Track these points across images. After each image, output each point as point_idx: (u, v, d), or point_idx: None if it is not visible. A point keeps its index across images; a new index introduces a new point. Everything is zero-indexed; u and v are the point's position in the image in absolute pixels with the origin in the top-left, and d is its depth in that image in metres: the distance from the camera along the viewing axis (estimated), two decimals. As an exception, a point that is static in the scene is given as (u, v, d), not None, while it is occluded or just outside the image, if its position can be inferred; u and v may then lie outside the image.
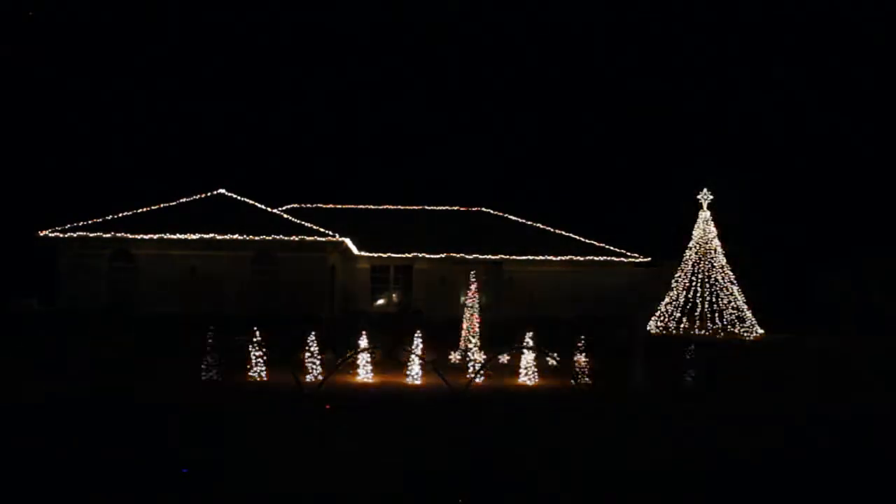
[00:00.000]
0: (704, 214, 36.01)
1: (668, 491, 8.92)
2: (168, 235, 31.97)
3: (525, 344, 16.77)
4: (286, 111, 73.94)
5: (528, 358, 17.03)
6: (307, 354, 16.80)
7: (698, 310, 34.94)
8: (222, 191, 35.47)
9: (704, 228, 35.87)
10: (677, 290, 35.55)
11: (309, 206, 40.93)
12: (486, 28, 75.22)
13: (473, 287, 22.55)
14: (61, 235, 31.75)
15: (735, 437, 11.82)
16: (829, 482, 9.55)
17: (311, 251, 32.88)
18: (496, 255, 37.04)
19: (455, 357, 20.27)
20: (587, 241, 39.00)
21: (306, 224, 33.87)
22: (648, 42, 75.62)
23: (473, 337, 21.32)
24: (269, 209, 35.10)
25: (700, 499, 8.79)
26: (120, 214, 33.09)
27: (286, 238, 32.61)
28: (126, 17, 66.19)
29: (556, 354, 15.54)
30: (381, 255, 36.61)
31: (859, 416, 13.89)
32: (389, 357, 19.71)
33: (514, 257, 37.02)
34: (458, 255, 36.64)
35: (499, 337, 21.71)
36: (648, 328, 34.14)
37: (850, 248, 43.47)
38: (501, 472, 9.30)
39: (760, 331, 33.79)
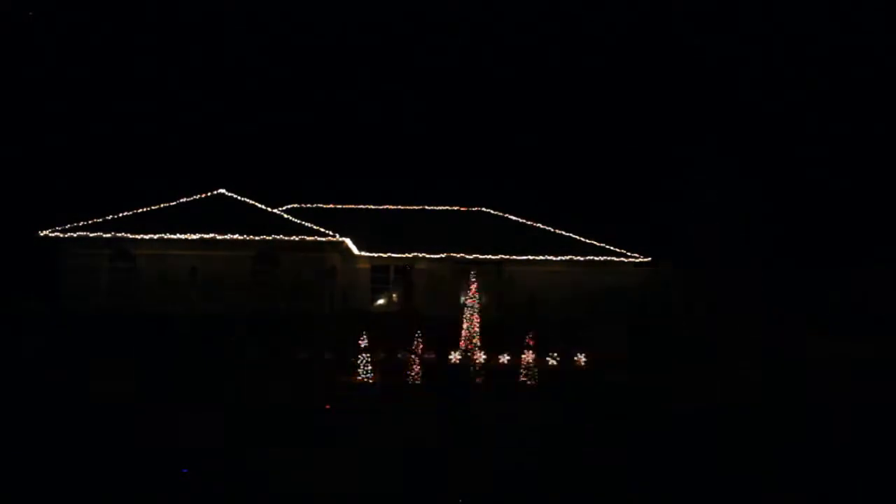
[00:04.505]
0: (703, 214, 35.99)
1: None
2: (168, 235, 31.97)
3: (525, 344, 16.77)
4: (286, 111, 73.93)
5: (528, 358, 17.03)
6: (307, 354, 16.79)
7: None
8: (222, 191, 35.47)
9: (704, 228, 35.85)
10: (677, 289, 35.50)
11: (309, 206, 40.91)
12: (486, 27, 75.19)
13: (473, 287, 22.57)
14: (62, 235, 31.74)
15: None
16: None
17: (311, 251, 32.86)
18: (496, 255, 37.00)
19: (455, 357, 20.28)
20: (587, 241, 38.96)
21: (306, 224, 33.87)
22: (650, 41, 75.57)
23: (474, 337, 21.32)
24: (269, 209, 35.09)
25: None
26: (120, 214, 33.08)
27: (286, 238, 32.60)
28: (127, 17, 66.18)
29: (556, 354, 15.55)
30: (381, 255, 36.59)
31: None
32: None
33: (514, 257, 36.97)
34: (458, 255, 36.62)
35: (499, 337, 21.69)
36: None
37: (855, 253, 43.37)
38: None
39: (760, 331, 33.73)
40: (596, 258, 37.62)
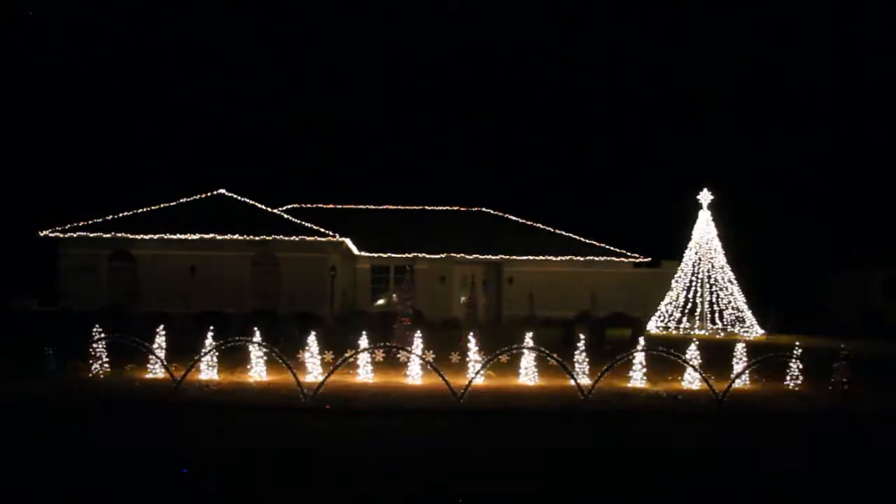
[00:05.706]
0: (705, 214, 36.01)
1: None
2: (168, 235, 32.00)
3: (525, 344, 16.76)
4: (286, 111, 74.01)
5: (528, 358, 17.00)
6: (307, 354, 16.76)
7: (698, 310, 34.95)
8: (222, 191, 35.52)
9: (704, 228, 35.88)
10: (677, 290, 35.54)
11: (309, 206, 40.97)
12: (485, 28, 75.27)
13: (474, 287, 22.56)
14: (61, 235, 31.76)
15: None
16: None
17: (311, 251, 32.90)
18: (496, 255, 37.06)
19: (455, 357, 20.22)
20: (587, 241, 39.04)
21: (306, 224, 33.90)
22: (649, 40, 75.69)
23: (473, 337, 21.27)
24: (269, 209, 35.12)
25: None
26: (120, 214, 33.13)
27: (286, 238, 32.64)
28: (127, 17, 66.26)
29: (556, 355, 15.53)
30: (381, 255, 36.62)
31: None
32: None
33: (514, 257, 37.04)
34: (458, 255, 36.66)
35: (499, 337, 21.67)
36: (649, 328, 34.14)
37: (855, 253, 43.41)
38: None
39: (761, 331, 33.77)
40: (596, 258, 37.73)
